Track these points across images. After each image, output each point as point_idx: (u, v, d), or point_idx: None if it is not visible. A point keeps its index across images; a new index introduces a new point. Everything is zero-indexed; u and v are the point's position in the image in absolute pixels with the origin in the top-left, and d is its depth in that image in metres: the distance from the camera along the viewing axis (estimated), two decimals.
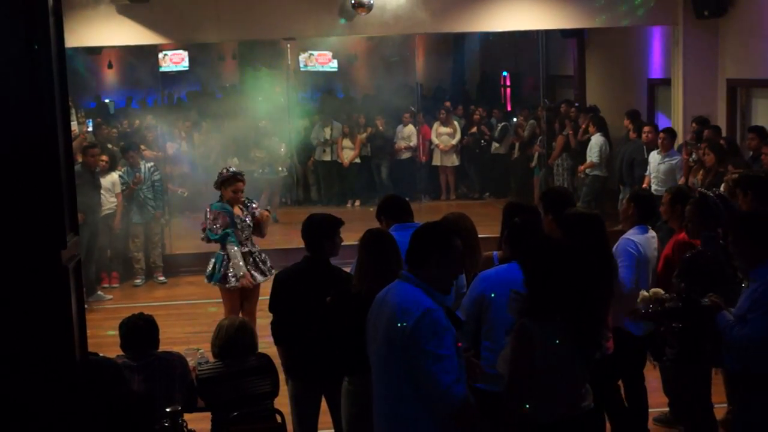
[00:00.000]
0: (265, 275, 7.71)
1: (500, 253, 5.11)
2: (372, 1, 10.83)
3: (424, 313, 3.66)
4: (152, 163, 11.56)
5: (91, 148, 10.75)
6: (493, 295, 4.56)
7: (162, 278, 11.51)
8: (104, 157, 11.21)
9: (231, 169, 7.84)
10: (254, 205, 7.87)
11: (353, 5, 10.82)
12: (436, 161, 15.88)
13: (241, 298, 7.71)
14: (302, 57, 16.48)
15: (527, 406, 3.87)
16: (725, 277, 5.07)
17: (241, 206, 7.72)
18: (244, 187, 7.76)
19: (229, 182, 7.65)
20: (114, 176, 11.13)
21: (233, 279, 7.56)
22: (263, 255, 7.88)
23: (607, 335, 4.04)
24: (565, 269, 3.88)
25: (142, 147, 12.62)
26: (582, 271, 3.95)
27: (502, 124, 15.80)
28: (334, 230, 5.38)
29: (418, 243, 3.88)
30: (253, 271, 7.67)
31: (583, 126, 13.02)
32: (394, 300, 3.81)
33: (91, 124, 13.61)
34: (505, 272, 4.60)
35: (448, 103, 16.06)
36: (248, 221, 7.70)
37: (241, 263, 7.56)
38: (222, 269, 7.60)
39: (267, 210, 8.20)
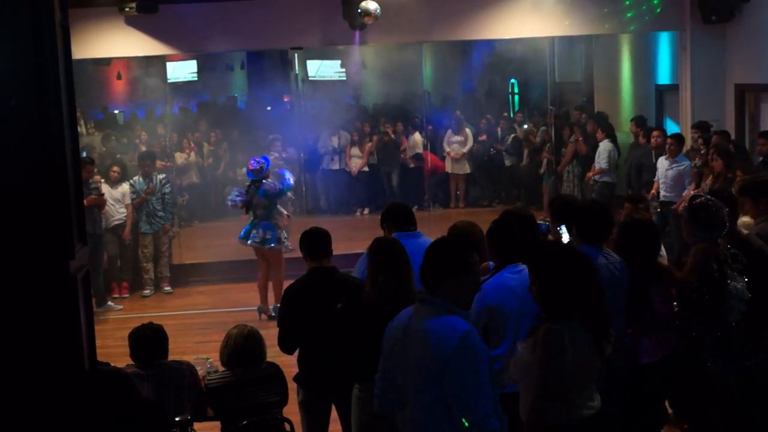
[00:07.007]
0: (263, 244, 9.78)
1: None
2: (379, 10, 10.84)
3: (463, 336, 3.53)
4: (164, 175, 11.59)
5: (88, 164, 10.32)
6: (499, 304, 4.59)
7: (168, 288, 11.49)
8: (116, 168, 11.24)
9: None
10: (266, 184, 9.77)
11: (360, 14, 10.83)
12: (447, 169, 15.88)
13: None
14: (311, 65, 16.51)
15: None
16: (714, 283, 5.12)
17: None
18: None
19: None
20: (124, 187, 11.15)
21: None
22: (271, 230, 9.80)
23: (613, 332, 4.04)
24: (575, 268, 3.89)
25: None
26: (589, 270, 3.97)
27: (512, 135, 15.77)
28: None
29: (433, 263, 3.72)
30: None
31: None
32: (426, 327, 3.63)
33: (85, 154, 13.58)
34: (505, 279, 4.65)
35: (458, 112, 16.06)
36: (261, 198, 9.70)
37: None
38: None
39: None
